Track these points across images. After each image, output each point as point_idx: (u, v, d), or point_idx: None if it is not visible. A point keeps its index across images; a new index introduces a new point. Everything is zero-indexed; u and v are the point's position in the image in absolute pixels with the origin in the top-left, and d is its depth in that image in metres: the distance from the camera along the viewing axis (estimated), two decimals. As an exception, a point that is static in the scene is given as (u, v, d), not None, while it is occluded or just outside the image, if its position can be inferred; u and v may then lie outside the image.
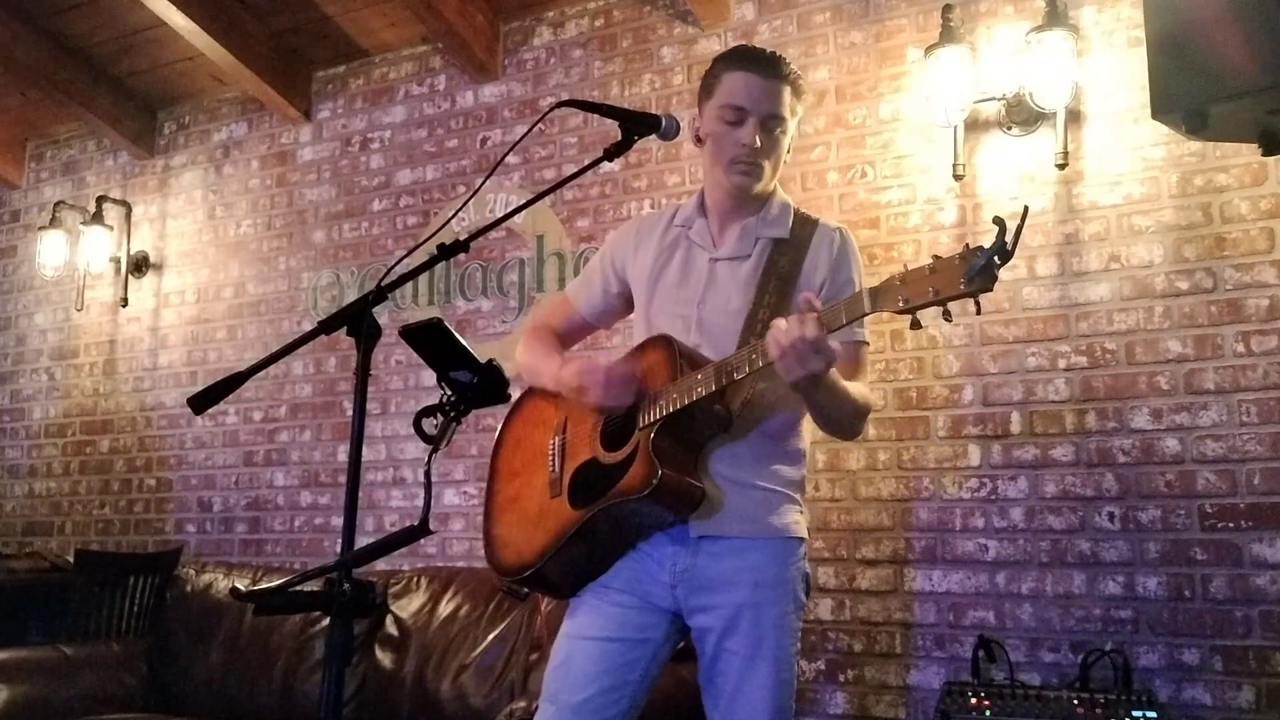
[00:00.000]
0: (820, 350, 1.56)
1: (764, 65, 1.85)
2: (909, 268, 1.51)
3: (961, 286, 1.41)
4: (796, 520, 1.87)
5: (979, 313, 1.48)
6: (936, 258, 1.46)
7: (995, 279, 1.40)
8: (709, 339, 1.84)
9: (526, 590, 1.95)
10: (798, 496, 1.89)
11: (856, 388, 1.82)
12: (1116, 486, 2.69)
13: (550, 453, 1.92)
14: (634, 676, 1.81)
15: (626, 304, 2.06)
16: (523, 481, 1.95)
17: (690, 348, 1.80)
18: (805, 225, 1.91)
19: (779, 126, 1.87)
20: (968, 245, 1.43)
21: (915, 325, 1.49)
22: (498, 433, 2.08)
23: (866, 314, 1.54)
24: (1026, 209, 1.47)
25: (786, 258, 1.87)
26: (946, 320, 1.48)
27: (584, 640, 1.83)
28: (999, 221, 1.38)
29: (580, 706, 1.77)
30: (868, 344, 1.93)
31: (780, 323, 1.59)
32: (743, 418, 1.79)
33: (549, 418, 1.96)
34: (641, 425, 1.75)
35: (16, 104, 4.67)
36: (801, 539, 1.87)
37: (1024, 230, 2.89)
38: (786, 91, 1.86)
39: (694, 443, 1.79)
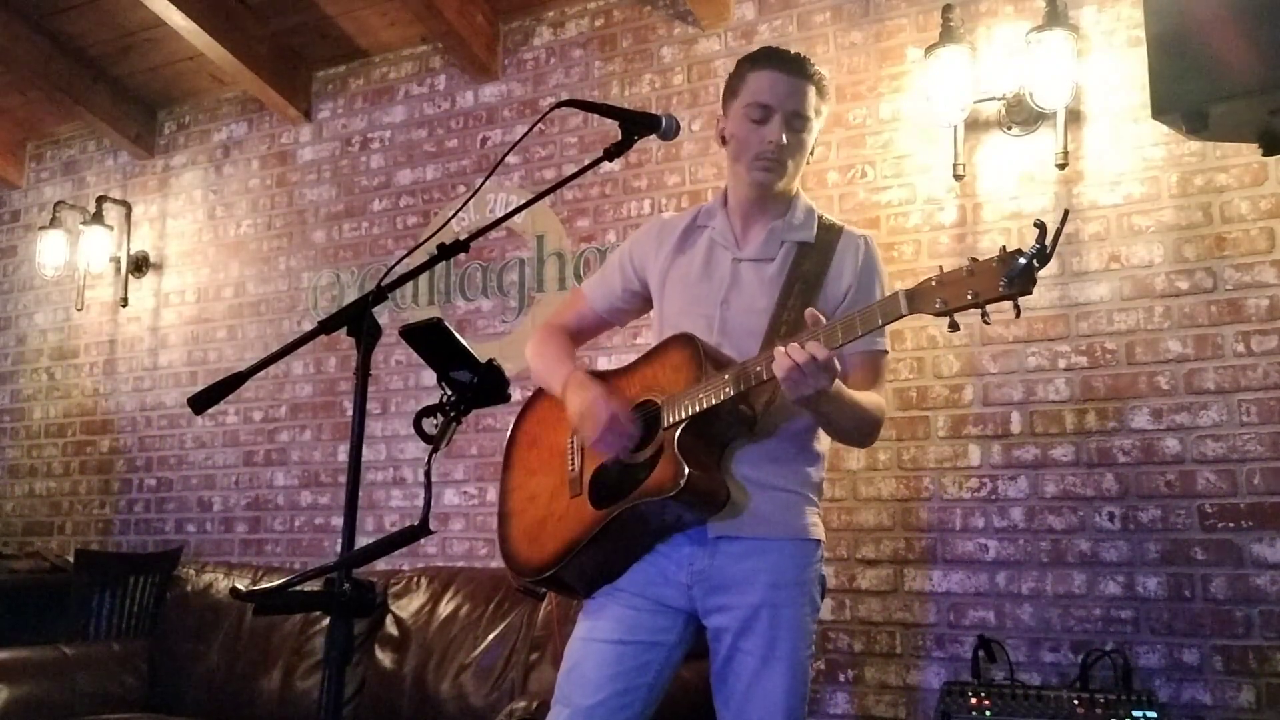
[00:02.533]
0: (824, 369, 1.58)
1: (790, 64, 1.87)
2: (945, 270, 1.52)
3: (1001, 288, 1.43)
4: (815, 522, 1.87)
5: (1018, 315, 1.50)
6: (974, 260, 1.48)
7: (1034, 281, 1.42)
8: (731, 339, 1.84)
9: (543, 590, 1.94)
10: (816, 498, 1.90)
11: (869, 399, 1.82)
12: (1116, 486, 2.69)
13: (568, 451, 1.91)
14: (646, 679, 1.81)
15: (644, 303, 2.07)
16: (539, 480, 1.95)
17: (714, 347, 1.80)
18: (830, 231, 1.93)
19: (803, 126, 1.88)
20: (1004, 248, 1.45)
21: (953, 327, 1.51)
22: (510, 429, 2.07)
23: (903, 316, 1.55)
24: (1067, 213, 1.49)
25: (811, 261, 1.88)
26: (985, 323, 1.49)
27: (597, 643, 1.83)
28: (1040, 225, 1.39)
29: (593, 710, 1.78)
30: (887, 353, 1.94)
31: (780, 350, 1.60)
32: (766, 419, 1.79)
33: (564, 416, 1.94)
34: (667, 424, 1.75)
35: (16, 104, 4.67)
36: (819, 541, 1.87)
37: (1024, 230, 2.89)
38: (811, 91, 1.87)
39: (718, 443, 1.79)
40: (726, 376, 1.70)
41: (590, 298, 2.10)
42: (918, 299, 1.53)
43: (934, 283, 1.52)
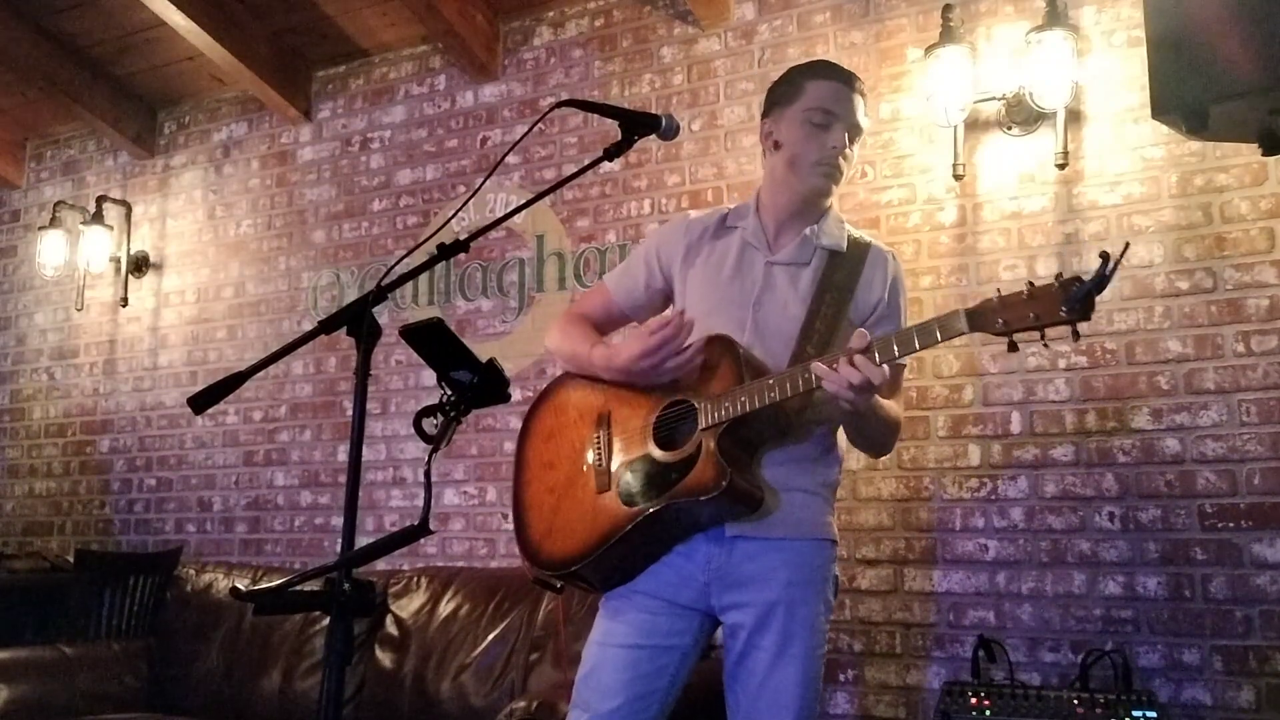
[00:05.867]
0: (873, 384, 1.62)
1: (850, 79, 1.94)
2: (1003, 292, 1.56)
3: (1062, 314, 1.49)
4: (830, 522, 1.90)
5: (1077, 339, 1.54)
6: (1031, 284, 1.53)
7: (1093, 307, 1.49)
8: (763, 341, 1.86)
9: (560, 585, 1.94)
10: (832, 500, 1.92)
11: (894, 409, 1.87)
12: (1116, 486, 2.69)
13: (594, 446, 1.90)
14: (663, 683, 1.83)
15: (665, 300, 2.08)
16: (560, 474, 1.94)
17: (749, 351, 1.82)
18: (859, 243, 1.98)
19: (858, 138, 1.95)
20: (1060, 275, 1.51)
21: (1013, 347, 1.56)
22: (523, 423, 2.06)
23: (963, 334, 1.59)
24: (1127, 245, 1.57)
25: (843, 271, 1.91)
26: (1044, 345, 1.56)
27: (614, 648, 1.84)
28: (1104, 255, 1.44)
29: (611, 715, 1.79)
30: (905, 365, 1.97)
31: (822, 364, 1.64)
32: (797, 423, 1.82)
33: (587, 410, 1.95)
34: (705, 425, 1.76)
35: (16, 104, 4.67)
36: (835, 541, 1.90)
37: (1024, 230, 2.90)
38: (863, 107, 1.95)
39: (752, 445, 1.80)
40: (771, 381, 1.71)
41: (613, 290, 2.10)
42: (979, 318, 1.56)
43: (995, 303, 1.55)
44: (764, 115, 2.01)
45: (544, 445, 2.01)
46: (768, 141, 1.99)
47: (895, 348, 1.62)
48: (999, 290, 1.58)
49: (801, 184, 1.93)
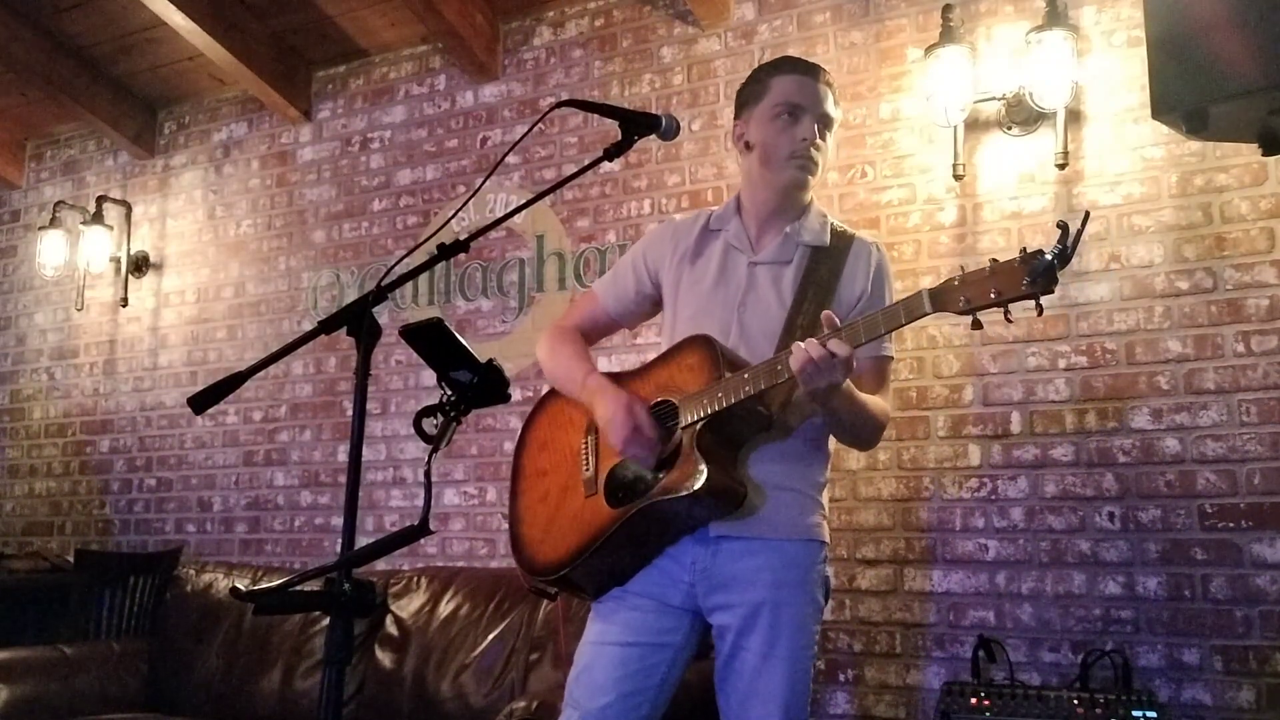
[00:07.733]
0: (840, 364, 1.61)
1: (814, 70, 1.94)
2: (966, 269, 1.56)
3: (1024, 287, 1.48)
4: (818, 523, 1.89)
5: (1041, 313, 1.54)
6: (994, 260, 1.52)
7: (1056, 280, 1.47)
8: (748, 342, 1.86)
9: (555, 590, 1.95)
10: (822, 500, 1.91)
11: (875, 402, 1.86)
12: (1116, 486, 2.69)
13: (583, 452, 1.91)
14: (654, 681, 1.83)
15: (655, 305, 2.08)
16: (551, 480, 1.95)
17: (730, 349, 1.82)
18: (842, 237, 1.97)
19: (829, 128, 1.94)
20: (1024, 249, 1.49)
21: (977, 325, 1.55)
22: (520, 433, 2.08)
23: (927, 314, 1.58)
24: (1087, 214, 1.54)
25: (825, 267, 1.91)
26: (1008, 321, 1.54)
27: (605, 646, 1.85)
28: (1062, 225, 1.44)
29: (601, 713, 1.79)
30: (892, 358, 1.97)
31: (799, 344, 1.63)
32: (782, 418, 1.81)
33: (577, 418, 1.96)
34: (685, 424, 1.76)
35: (16, 104, 4.67)
36: (824, 542, 1.89)
37: (1024, 230, 2.90)
38: (832, 97, 1.94)
39: (735, 442, 1.80)
40: (746, 375, 1.71)
41: (603, 298, 2.11)
42: (941, 297, 1.56)
43: (957, 282, 1.55)
44: (735, 117, 2.01)
45: (538, 454, 2.02)
46: (740, 143, 2.00)
47: (862, 332, 1.62)
48: (962, 268, 1.57)
49: (777, 178, 1.93)
